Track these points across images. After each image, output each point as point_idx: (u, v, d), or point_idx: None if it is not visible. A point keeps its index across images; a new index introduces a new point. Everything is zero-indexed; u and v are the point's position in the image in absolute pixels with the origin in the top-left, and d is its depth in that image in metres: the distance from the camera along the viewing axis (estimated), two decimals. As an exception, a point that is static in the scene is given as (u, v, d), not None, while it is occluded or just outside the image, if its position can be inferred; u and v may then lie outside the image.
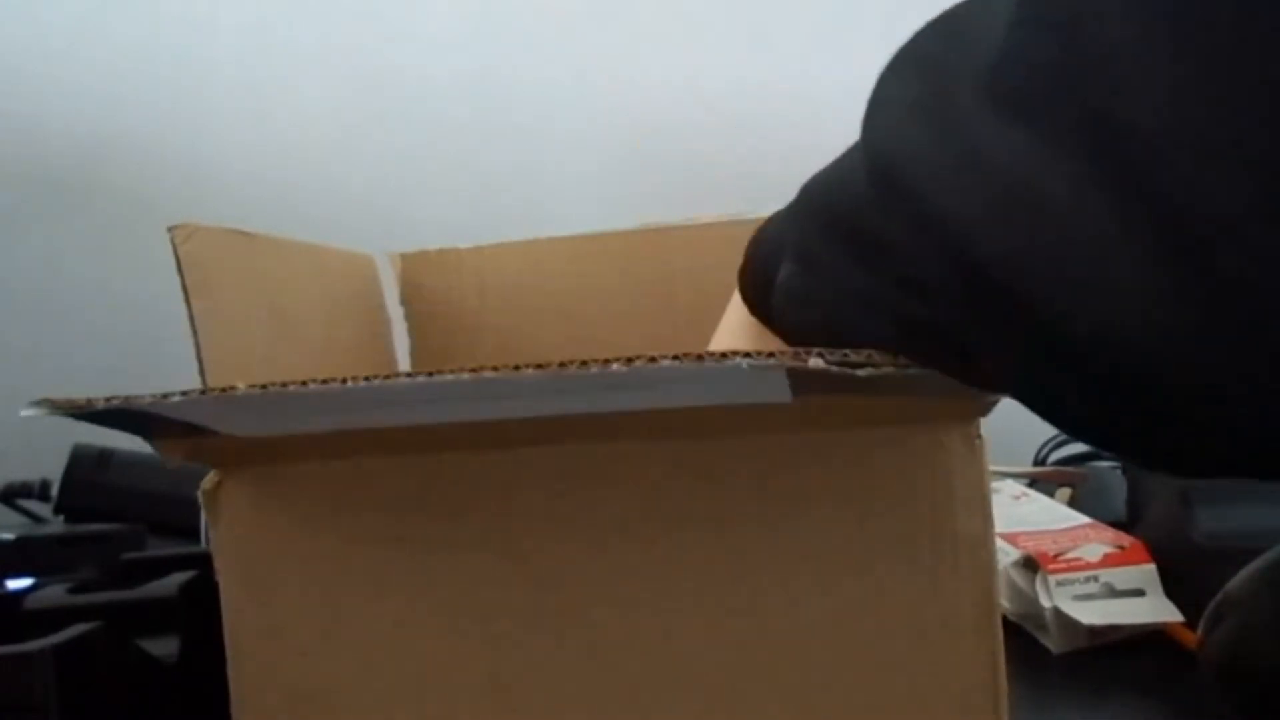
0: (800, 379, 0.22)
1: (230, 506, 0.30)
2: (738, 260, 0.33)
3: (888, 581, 0.27)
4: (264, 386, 0.23)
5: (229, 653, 0.31)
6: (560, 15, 0.80)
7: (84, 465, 0.64)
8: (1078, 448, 0.71)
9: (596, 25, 0.80)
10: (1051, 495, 0.56)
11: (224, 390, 0.23)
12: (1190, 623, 0.39)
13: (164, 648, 0.35)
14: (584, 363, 0.21)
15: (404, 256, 0.50)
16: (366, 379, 0.22)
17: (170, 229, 0.31)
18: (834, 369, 0.20)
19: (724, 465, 0.28)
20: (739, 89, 0.78)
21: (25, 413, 0.23)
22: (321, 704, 0.30)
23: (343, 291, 0.45)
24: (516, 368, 0.22)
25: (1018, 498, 0.53)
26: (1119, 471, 0.62)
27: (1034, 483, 0.60)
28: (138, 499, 0.61)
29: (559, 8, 0.80)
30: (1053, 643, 0.41)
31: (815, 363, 0.20)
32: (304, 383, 0.23)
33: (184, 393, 0.24)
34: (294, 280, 0.39)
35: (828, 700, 0.28)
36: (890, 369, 0.21)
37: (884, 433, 0.27)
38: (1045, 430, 0.71)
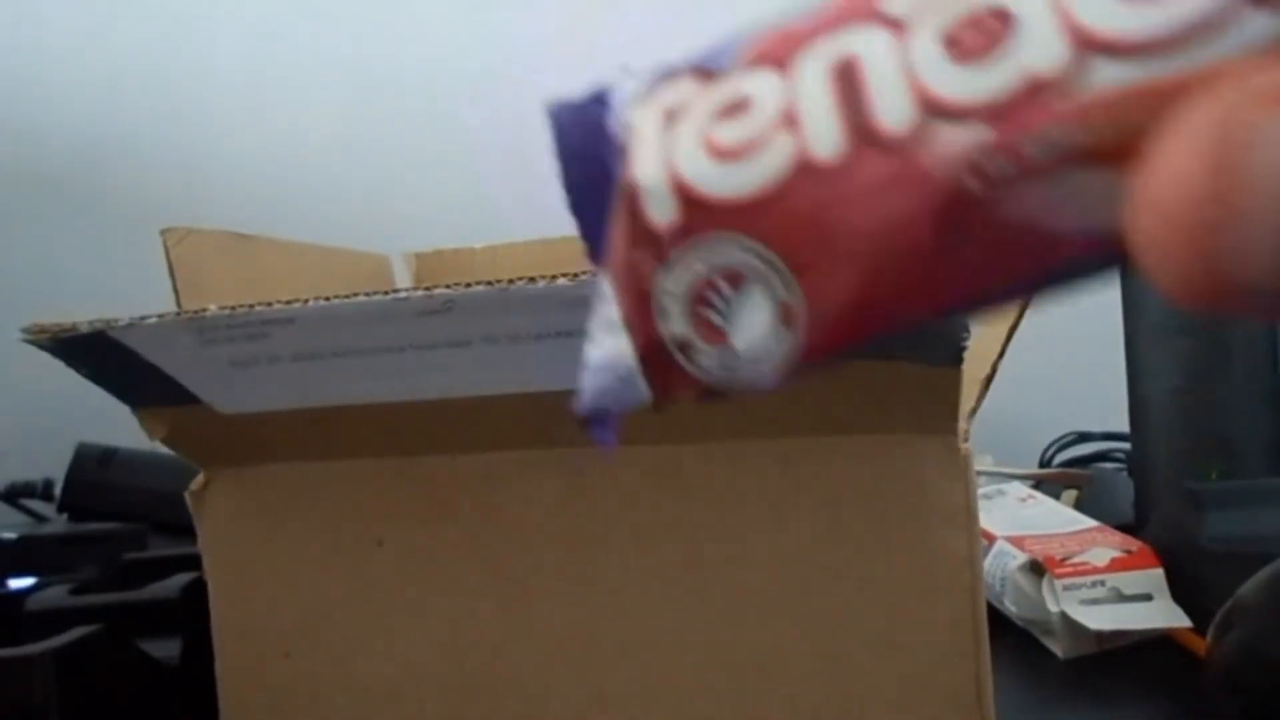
0: None
1: (215, 508, 0.31)
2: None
3: (860, 600, 0.26)
4: (233, 308, 0.24)
5: (216, 652, 0.31)
6: (568, 10, 0.80)
7: (86, 464, 0.64)
8: (1083, 449, 0.70)
9: (604, 20, 0.80)
10: (1057, 497, 0.56)
11: (196, 312, 0.24)
12: (1198, 628, 0.39)
13: (165, 649, 0.35)
14: (532, 279, 0.22)
15: (418, 256, 0.51)
16: (326, 299, 0.23)
17: (162, 231, 0.31)
18: None
19: (696, 473, 0.27)
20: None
21: (17, 339, 0.25)
22: (304, 704, 0.30)
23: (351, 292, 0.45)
24: (468, 285, 0.22)
25: (1024, 500, 0.52)
26: (1125, 474, 0.61)
27: (1039, 484, 0.60)
28: (140, 498, 0.61)
29: (567, 3, 0.80)
30: (1059, 647, 0.41)
31: None
32: (269, 303, 0.24)
33: (160, 315, 0.24)
34: (295, 282, 0.39)
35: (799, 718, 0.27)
36: None
37: (855, 441, 0.26)
38: (1050, 432, 0.71)
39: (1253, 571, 0.31)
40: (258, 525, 0.30)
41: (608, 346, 0.15)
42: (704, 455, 0.27)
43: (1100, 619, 0.40)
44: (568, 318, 0.23)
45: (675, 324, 0.15)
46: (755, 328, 0.14)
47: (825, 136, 0.13)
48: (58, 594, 0.39)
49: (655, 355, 0.15)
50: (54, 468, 0.65)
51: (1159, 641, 0.41)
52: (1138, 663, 0.40)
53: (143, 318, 0.24)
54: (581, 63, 0.79)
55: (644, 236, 0.15)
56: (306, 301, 0.23)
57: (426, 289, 0.22)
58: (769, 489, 0.27)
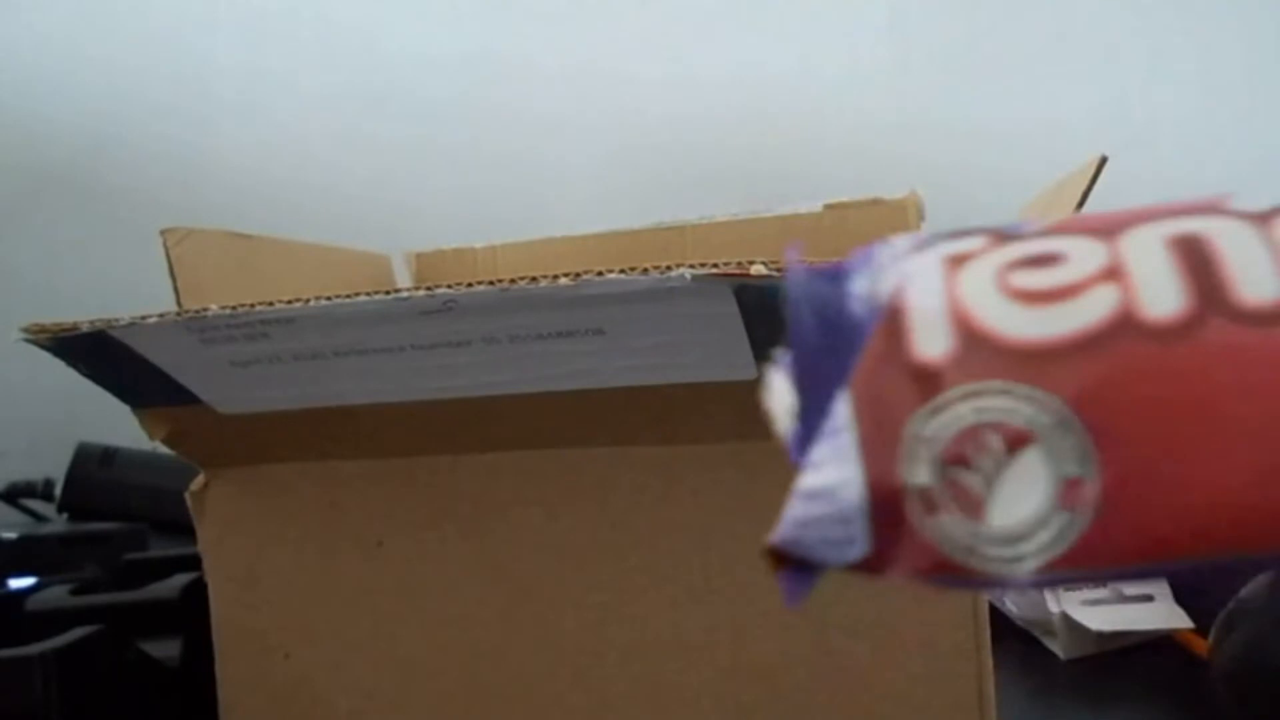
0: (761, 342, 0.22)
1: (215, 508, 0.31)
2: (753, 257, 0.33)
3: (863, 602, 0.26)
4: (234, 308, 0.24)
5: (216, 653, 0.31)
6: (570, 10, 0.80)
7: (87, 464, 0.64)
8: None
9: (610, 17, 0.79)
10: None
11: (196, 312, 0.24)
12: (1200, 629, 0.39)
13: (165, 649, 0.35)
14: (532, 279, 0.22)
15: (419, 255, 0.50)
16: (326, 299, 0.23)
17: (163, 232, 0.31)
18: (775, 273, 0.20)
19: (697, 473, 0.27)
20: (759, 82, 0.77)
21: (17, 338, 0.24)
22: (304, 705, 0.30)
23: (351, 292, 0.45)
24: (469, 284, 0.22)
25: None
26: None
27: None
28: (141, 497, 0.61)
29: (569, 1, 0.80)
30: (1061, 648, 0.41)
31: (757, 269, 0.21)
32: (270, 303, 0.24)
33: (160, 314, 0.24)
34: (296, 282, 0.39)
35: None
36: None
37: None
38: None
39: (1255, 573, 0.31)
40: (258, 525, 0.30)
41: (829, 474, 0.13)
42: (705, 456, 0.27)
43: (1101, 620, 0.40)
44: (568, 318, 0.23)
45: (921, 473, 0.12)
46: (1023, 503, 0.11)
47: (1162, 294, 0.11)
48: (58, 594, 0.38)
49: (888, 501, 0.12)
50: (54, 468, 0.65)
51: (1160, 642, 0.41)
52: (1139, 664, 0.40)
53: (143, 318, 0.24)
54: (584, 63, 0.79)
55: (904, 368, 0.12)
56: (306, 301, 0.23)
57: (426, 289, 0.22)
58: (771, 491, 0.27)
